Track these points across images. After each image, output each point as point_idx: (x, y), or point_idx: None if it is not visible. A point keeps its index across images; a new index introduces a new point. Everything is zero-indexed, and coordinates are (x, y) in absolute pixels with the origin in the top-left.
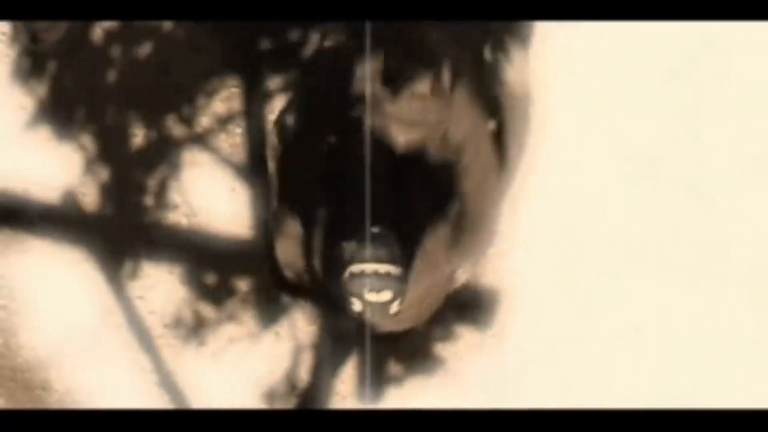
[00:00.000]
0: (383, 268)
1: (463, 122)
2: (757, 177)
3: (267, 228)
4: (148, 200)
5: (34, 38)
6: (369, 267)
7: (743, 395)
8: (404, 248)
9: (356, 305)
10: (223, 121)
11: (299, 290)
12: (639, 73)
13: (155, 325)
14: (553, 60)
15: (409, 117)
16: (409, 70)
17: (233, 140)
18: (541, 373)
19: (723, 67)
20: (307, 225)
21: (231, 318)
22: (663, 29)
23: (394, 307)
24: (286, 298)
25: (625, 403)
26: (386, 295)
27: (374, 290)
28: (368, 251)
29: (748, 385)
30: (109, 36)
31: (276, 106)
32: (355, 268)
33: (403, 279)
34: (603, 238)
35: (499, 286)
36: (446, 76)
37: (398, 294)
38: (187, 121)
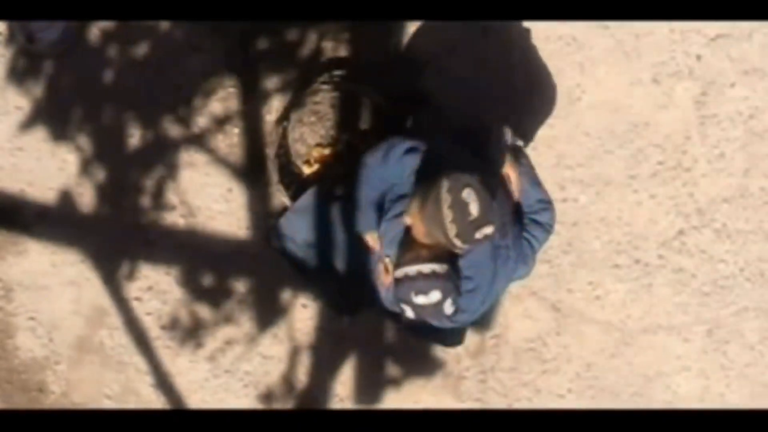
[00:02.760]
0: (427, 267)
1: None
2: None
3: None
4: (145, 201)
5: (30, 38)
6: (412, 269)
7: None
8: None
9: (408, 312)
10: (221, 122)
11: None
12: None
13: (152, 326)
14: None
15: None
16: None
17: (230, 140)
18: (537, 376)
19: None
20: None
21: (228, 320)
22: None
23: (449, 308)
24: (283, 300)
25: (623, 404)
26: (435, 296)
27: (422, 293)
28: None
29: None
30: (106, 36)
31: (273, 106)
32: (399, 272)
33: (450, 275)
34: (600, 241)
35: None
36: None
37: (448, 293)
38: (185, 121)
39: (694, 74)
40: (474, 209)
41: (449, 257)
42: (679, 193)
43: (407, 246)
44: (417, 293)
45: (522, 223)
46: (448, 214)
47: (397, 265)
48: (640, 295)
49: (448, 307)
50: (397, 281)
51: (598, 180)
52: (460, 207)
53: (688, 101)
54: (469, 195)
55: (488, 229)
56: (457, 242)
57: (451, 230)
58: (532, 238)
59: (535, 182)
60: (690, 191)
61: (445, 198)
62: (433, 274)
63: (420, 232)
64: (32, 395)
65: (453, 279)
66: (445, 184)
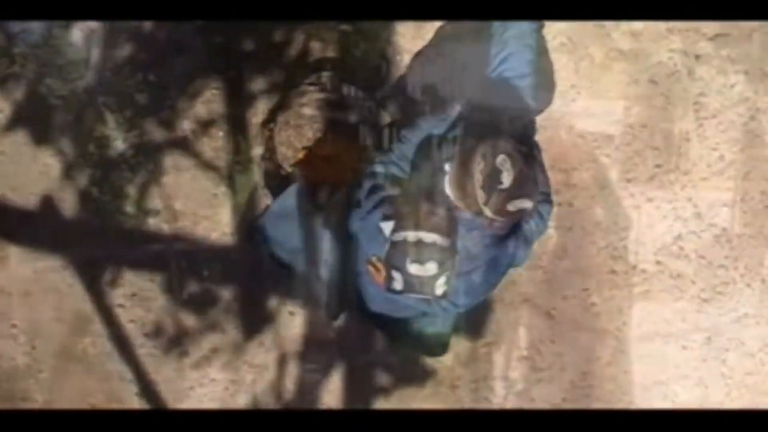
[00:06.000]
0: (429, 237)
1: None
2: None
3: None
4: (129, 206)
5: (11, 39)
6: (412, 235)
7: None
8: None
9: (397, 282)
10: (206, 125)
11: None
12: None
13: (136, 334)
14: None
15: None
16: None
17: (215, 144)
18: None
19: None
20: None
21: (214, 327)
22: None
23: (440, 287)
24: (270, 307)
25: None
26: (431, 268)
27: (417, 261)
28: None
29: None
30: (89, 37)
31: (259, 108)
32: (397, 236)
33: (450, 251)
34: (596, 246)
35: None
36: None
37: (444, 268)
38: (169, 124)
39: (693, 75)
40: (506, 179)
41: (451, 232)
42: (678, 196)
43: (410, 209)
44: (412, 261)
45: None
46: (479, 179)
47: (397, 228)
48: (637, 301)
49: (440, 286)
50: (394, 244)
51: (593, 184)
52: (492, 174)
53: (686, 102)
54: (503, 163)
55: (523, 203)
56: (487, 211)
57: (481, 197)
58: (533, 224)
59: (543, 172)
60: (688, 195)
61: (478, 162)
62: (434, 245)
63: (454, 195)
64: (15, 404)
65: (453, 256)
66: (480, 149)
